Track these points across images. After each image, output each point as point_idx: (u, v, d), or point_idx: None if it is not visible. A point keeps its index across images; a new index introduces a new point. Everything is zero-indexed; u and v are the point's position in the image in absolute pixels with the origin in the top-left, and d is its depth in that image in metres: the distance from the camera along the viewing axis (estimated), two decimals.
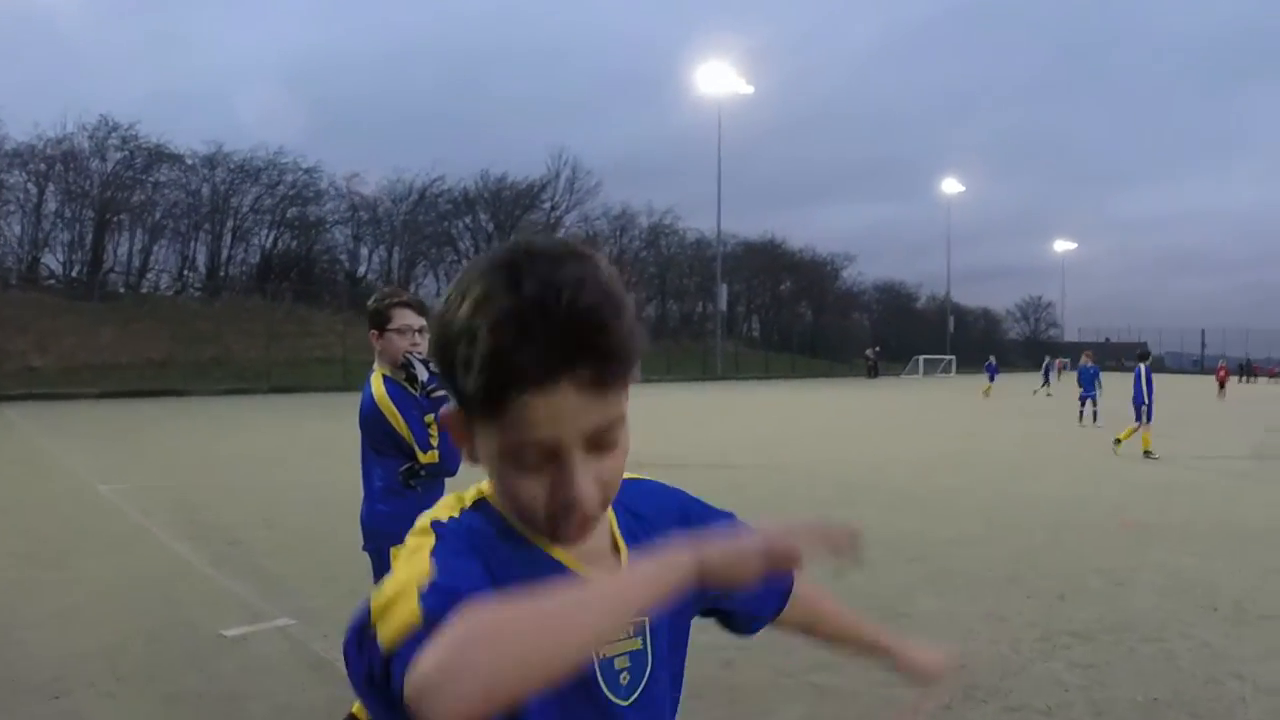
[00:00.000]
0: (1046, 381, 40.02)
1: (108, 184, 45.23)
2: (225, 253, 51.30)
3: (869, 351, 61.25)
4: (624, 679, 1.03)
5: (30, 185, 43.49)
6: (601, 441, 0.93)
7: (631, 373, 0.94)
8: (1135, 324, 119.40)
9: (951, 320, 79.55)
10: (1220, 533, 8.79)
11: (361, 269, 57.87)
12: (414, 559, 0.90)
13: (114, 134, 44.49)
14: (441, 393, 3.56)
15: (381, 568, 3.54)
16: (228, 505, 9.43)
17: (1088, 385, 22.55)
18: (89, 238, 45.48)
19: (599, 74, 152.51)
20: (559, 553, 1.00)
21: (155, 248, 48.32)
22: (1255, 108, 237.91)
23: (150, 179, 46.98)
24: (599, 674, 1.00)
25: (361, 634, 0.89)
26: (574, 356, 0.87)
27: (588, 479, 0.92)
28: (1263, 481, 12.83)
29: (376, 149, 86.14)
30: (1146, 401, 15.57)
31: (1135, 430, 15.51)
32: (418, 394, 3.59)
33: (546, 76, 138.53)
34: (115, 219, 46.09)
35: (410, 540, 0.95)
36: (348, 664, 0.92)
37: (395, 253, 58.41)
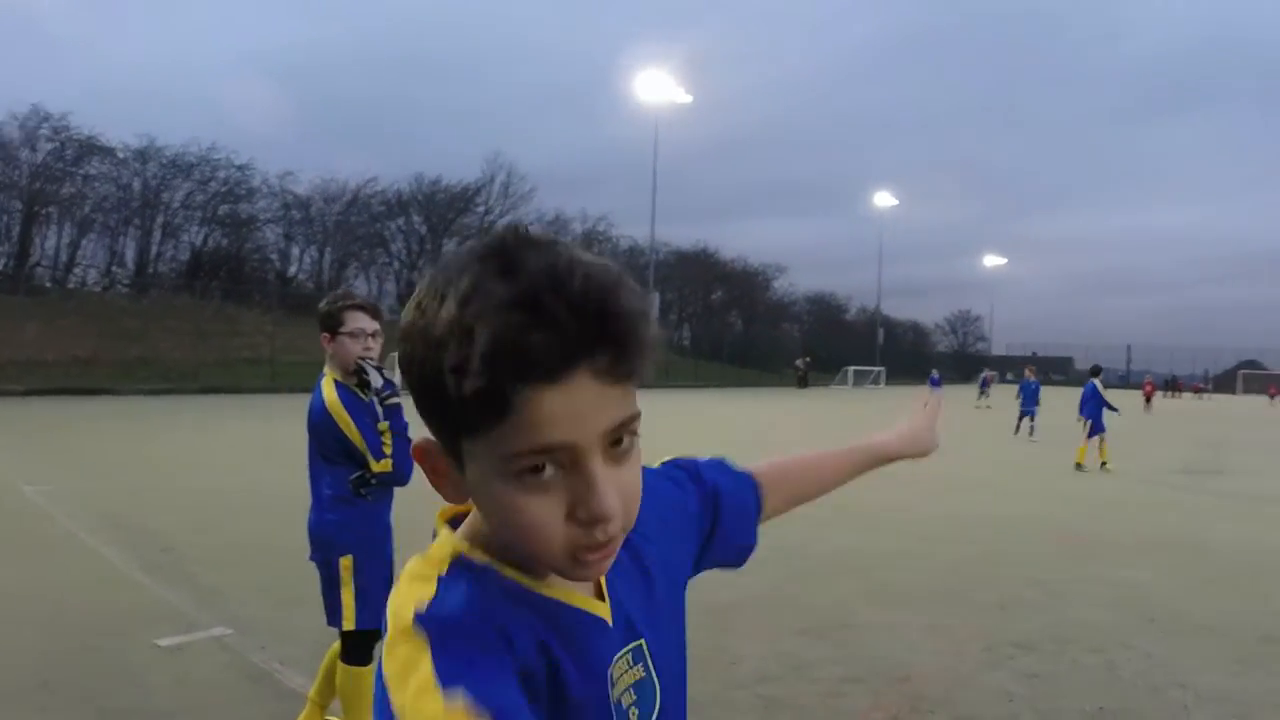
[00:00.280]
0: (984, 393, 40.77)
1: (37, 175, 44.09)
2: (155, 249, 50.37)
3: (799, 361, 61.62)
4: (633, 715, 0.94)
5: None
6: (619, 444, 0.82)
7: (647, 366, 0.82)
8: (1061, 339, 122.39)
9: (881, 332, 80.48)
10: (1153, 545, 8.95)
11: (292, 269, 57.35)
12: (413, 682, 0.74)
13: (45, 124, 43.44)
14: (395, 400, 3.48)
15: (330, 579, 3.45)
16: (158, 509, 9.17)
17: (1029, 400, 22.54)
18: (16, 230, 44.32)
19: (535, 82, 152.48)
20: (571, 595, 0.90)
21: (84, 242, 47.33)
22: (1174, 138, 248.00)
23: (81, 171, 45.90)
24: None
25: None
26: (593, 340, 0.76)
27: (611, 490, 0.80)
28: (1191, 495, 13.12)
29: (310, 149, 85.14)
30: (1099, 417, 16.01)
31: (1099, 443, 15.91)
32: (370, 400, 3.48)
33: (483, 84, 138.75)
34: (44, 211, 44.98)
35: (397, 649, 0.77)
36: None
37: (327, 253, 57.95)
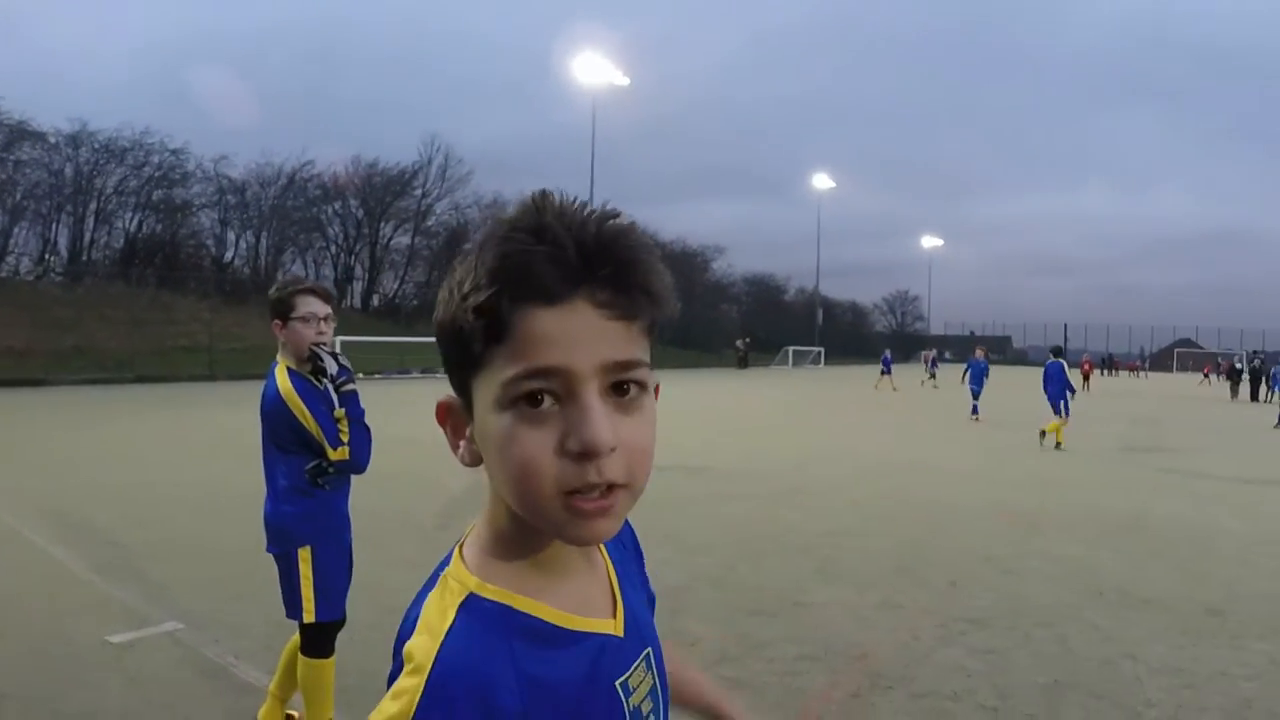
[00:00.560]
0: (932, 374, 41.18)
1: None
2: (88, 236, 49.13)
3: (739, 342, 61.79)
4: None
5: None
6: (622, 387, 0.82)
7: (658, 323, 0.85)
8: (997, 318, 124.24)
9: (820, 312, 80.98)
10: (1096, 521, 9.13)
11: (228, 254, 56.35)
12: None
13: None
14: (351, 386, 3.42)
15: (289, 570, 3.38)
16: (100, 504, 8.96)
17: (976, 379, 22.45)
18: None
19: (472, 65, 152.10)
20: (586, 622, 0.91)
21: (15, 230, 45.96)
22: (1104, 127, 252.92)
23: (11, 157, 44.42)
24: None
25: None
26: (593, 269, 0.79)
27: (605, 423, 0.79)
28: (1131, 472, 13.40)
29: (244, 132, 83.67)
30: (1066, 396, 16.32)
31: (1062, 424, 16.14)
32: (325, 387, 3.41)
33: (419, 67, 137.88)
34: None
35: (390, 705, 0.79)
36: None
37: (263, 238, 57.05)
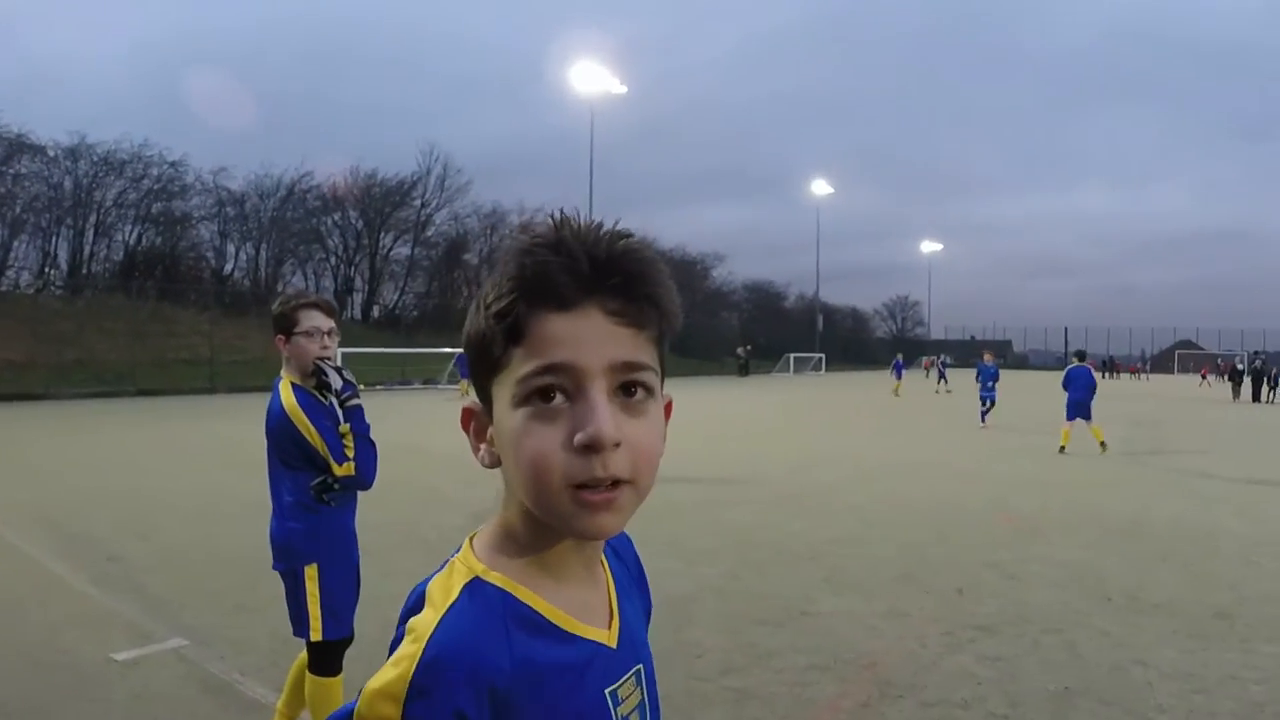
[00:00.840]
0: (943, 378, 41.01)
1: None
2: (88, 249, 49.06)
3: (740, 350, 61.74)
4: None
5: None
6: (630, 389, 0.89)
7: (666, 336, 0.93)
8: (995, 322, 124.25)
9: (820, 319, 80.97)
10: (1099, 526, 9.10)
11: (228, 266, 56.25)
12: None
13: None
14: (356, 401, 3.40)
15: (296, 588, 3.35)
16: (99, 517, 8.94)
17: (987, 384, 21.58)
18: None
19: (468, 75, 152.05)
20: (584, 628, 0.96)
21: (15, 243, 45.88)
22: (1103, 127, 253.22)
23: (10, 171, 44.35)
24: None
25: None
26: (604, 280, 0.87)
27: (610, 419, 0.85)
28: (1134, 474, 13.37)
29: (243, 144, 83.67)
30: (1088, 400, 16.14)
31: (1087, 427, 16.01)
32: (330, 403, 3.39)
33: (416, 77, 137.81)
34: None
35: (381, 693, 0.85)
36: None
37: (263, 250, 56.97)
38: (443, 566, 0.96)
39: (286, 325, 3.40)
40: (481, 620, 0.88)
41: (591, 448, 0.84)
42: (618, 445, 0.86)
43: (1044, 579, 6.93)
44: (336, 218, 60.32)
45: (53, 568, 6.99)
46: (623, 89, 50.21)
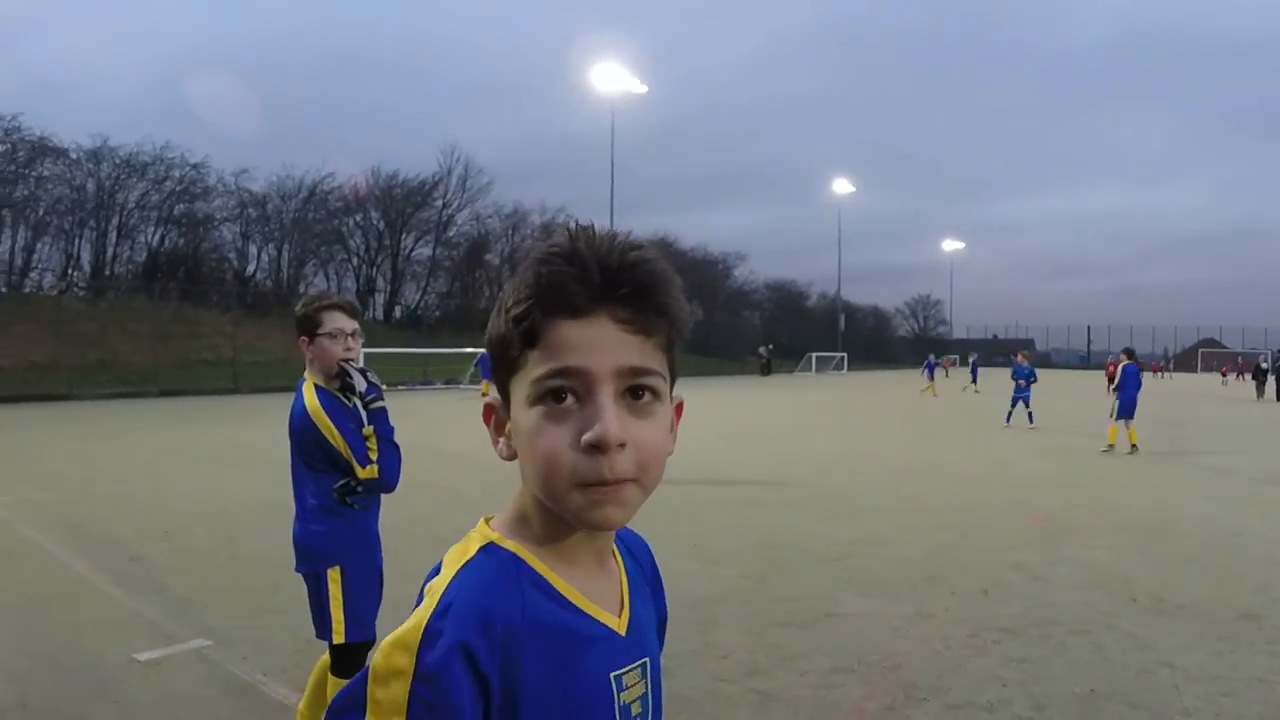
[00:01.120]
0: (974, 379, 40.70)
1: None
2: (110, 251, 49.27)
3: (762, 349, 61.55)
4: None
5: None
6: (637, 392, 0.94)
7: (675, 343, 0.98)
8: (1021, 321, 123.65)
9: (842, 318, 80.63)
10: (1124, 527, 9.02)
11: (250, 267, 56.36)
12: (385, 699, 0.89)
13: None
14: (380, 403, 3.39)
15: (319, 591, 3.34)
16: (122, 517, 8.99)
17: (1021, 384, 20.93)
18: None
19: (490, 76, 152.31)
20: (592, 607, 1.01)
21: (38, 245, 46.14)
22: (1118, 124, 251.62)
23: (33, 173, 44.56)
24: None
25: None
26: (614, 289, 0.92)
27: (616, 421, 0.91)
28: (1158, 474, 13.27)
29: (265, 145, 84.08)
30: (1135, 398, 16.10)
31: (1125, 425, 15.96)
32: (354, 405, 3.38)
33: (438, 78, 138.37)
34: None
35: (386, 659, 0.90)
36: None
37: (285, 251, 57.07)
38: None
39: (310, 327, 3.40)
40: (497, 575, 0.95)
41: (597, 447, 0.90)
42: (623, 445, 0.91)
43: (1069, 580, 6.87)
44: (358, 218, 60.36)
45: (75, 568, 7.03)
46: (643, 89, 50.17)
